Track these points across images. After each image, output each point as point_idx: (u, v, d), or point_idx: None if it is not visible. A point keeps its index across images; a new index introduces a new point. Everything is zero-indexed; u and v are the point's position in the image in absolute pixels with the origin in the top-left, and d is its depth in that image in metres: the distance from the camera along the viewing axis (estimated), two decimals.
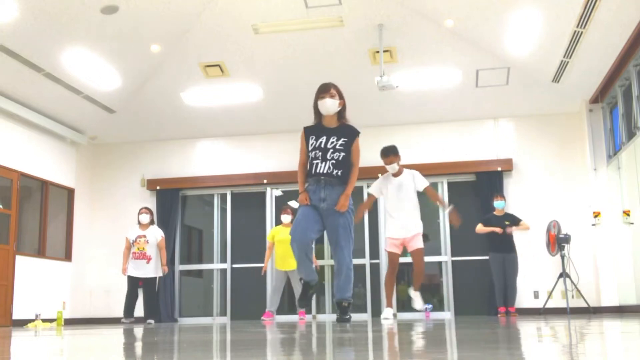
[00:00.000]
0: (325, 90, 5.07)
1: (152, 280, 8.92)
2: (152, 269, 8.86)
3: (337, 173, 4.98)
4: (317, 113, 5.12)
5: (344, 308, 5.27)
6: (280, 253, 8.84)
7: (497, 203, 9.09)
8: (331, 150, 4.97)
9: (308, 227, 5.02)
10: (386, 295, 7.21)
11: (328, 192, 4.98)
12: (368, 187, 10.63)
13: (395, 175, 7.13)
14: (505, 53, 9.07)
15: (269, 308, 8.90)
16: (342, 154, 5.00)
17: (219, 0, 8.43)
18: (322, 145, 5.00)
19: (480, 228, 9.02)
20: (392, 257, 7.06)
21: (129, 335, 4.30)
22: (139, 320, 9.11)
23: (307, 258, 5.12)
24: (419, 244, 6.94)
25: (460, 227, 9.59)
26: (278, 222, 10.44)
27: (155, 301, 9.10)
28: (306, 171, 5.14)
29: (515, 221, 8.99)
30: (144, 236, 8.91)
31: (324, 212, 5.03)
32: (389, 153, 7.13)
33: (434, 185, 9.49)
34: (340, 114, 5.13)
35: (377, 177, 10.51)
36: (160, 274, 9.05)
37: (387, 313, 7.00)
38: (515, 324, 4.86)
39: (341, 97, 5.11)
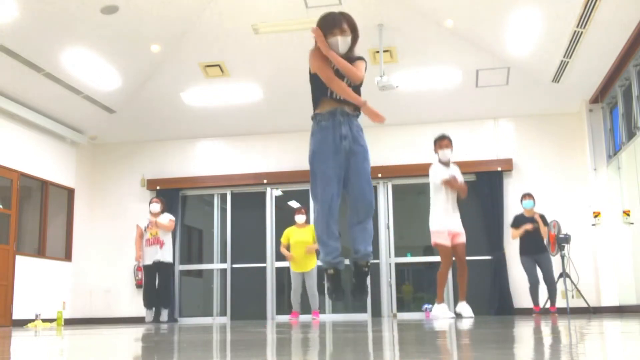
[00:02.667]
0: (335, 24, 4.21)
1: (167, 266, 8.93)
2: (167, 254, 8.97)
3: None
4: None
5: (363, 273, 4.24)
6: (296, 255, 8.93)
7: (526, 203, 8.83)
8: (345, 79, 4.25)
9: (334, 192, 4.07)
10: (439, 291, 7.27)
11: (348, 128, 4.16)
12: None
13: (447, 165, 7.22)
14: (505, 53, 9.07)
15: (295, 309, 9.03)
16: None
17: (219, 0, 8.43)
18: (338, 72, 4.22)
19: (514, 233, 8.81)
20: (446, 251, 7.09)
21: (129, 336, 4.29)
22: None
23: (333, 232, 4.13)
24: (463, 237, 7.13)
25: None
26: (279, 221, 10.46)
27: (169, 290, 9.10)
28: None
29: (544, 221, 8.76)
30: (155, 222, 9.06)
31: (344, 155, 4.11)
32: (445, 137, 7.24)
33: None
34: (350, 49, 4.31)
35: (377, 177, 10.57)
36: (171, 259, 9.09)
37: (444, 308, 7.21)
38: (555, 323, 4.86)
39: (353, 30, 4.25)
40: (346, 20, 4.24)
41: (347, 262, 4.30)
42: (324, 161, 4.10)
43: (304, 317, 9.29)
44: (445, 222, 7.08)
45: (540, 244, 8.73)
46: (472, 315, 7.27)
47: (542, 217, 8.77)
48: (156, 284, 8.97)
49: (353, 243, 4.19)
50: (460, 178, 7.24)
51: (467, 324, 5.07)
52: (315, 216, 4.21)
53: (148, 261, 8.92)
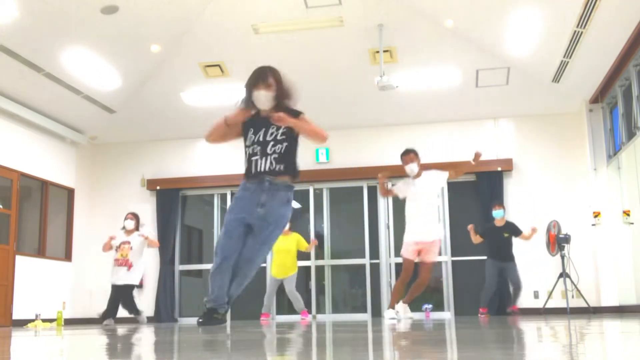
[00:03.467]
0: (261, 78, 4.31)
1: (128, 288, 8.57)
2: (130, 276, 8.53)
3: (279, 168, 4.23)
4: (251, 101, 4.36)
5: (212, 312, 4.47)
6: (278, 262, 8.98)
7: (496, 212, 8.93)
8: (272, 143, 4.24)
9: (232, 247, 4.31)
10: (391, 299, 7.18)
11: (269, 197, 4.25)
12: (368, 187, 10.68)
13: (416, 177, 7.00)
14: (505, 53, 9.07)
15: (265, 310, 9.10)
16: (285, 144, 4.23)
17: (219, 0, 8.43)
18: (261, 139, 4.28)
19: (474, 238, 8.90)
20: (407, 264, 6.97)
21: (129, 336, 4.30)
22: (131, 320, 9.07)
23: (225, 277, 4.42)
24: (433, 256, 6.93)
25: (460, 228, 9.52)
26: None
27: (131, 301, 8.76)
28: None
29: (515, 232, 8.89)
30: (128, 242, 8.60)
31: (256, 219, 4.25)
32: (409, 152, 7.04)
33: None
34: (279, 104, 4.30)
35: (376, 178, 10.56)
36: (137, 282, 8.68)
37: (391, 313, 6.99)
38: (516, 323, 4.86)
39: (279, 85, 4.30)
40: (272, 74, 4.33)
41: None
42: (234, 218, 4.33)
43: (295, 317, 9.34)
44: (412, 235, 6.98)
45: (507, 254, 8.87)
46: (411, 316, 7.17)
47: (513, 227, 8.86)
48: (119, 303, 8.69)
49: (229, 289, 4.46)
50: (440, 177, 7.04)
51: (465, 323, 5.07)
52: (214, 261, 4.46)
53: (116, 281, 8.52)
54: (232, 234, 4.29)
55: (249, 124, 4.39)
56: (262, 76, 4.32)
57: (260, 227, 4.26)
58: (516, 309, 8.92)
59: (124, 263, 8.50)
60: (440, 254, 7.26)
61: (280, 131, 4.24)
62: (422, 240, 6.89)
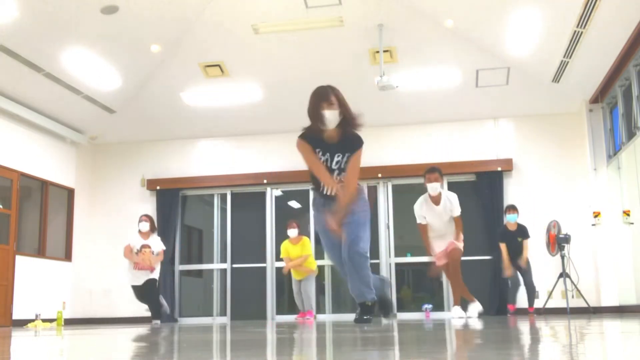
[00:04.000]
0: (325, 97, 4.34)
1: (152, 280, 8.74)
2: (156, 273, 8.64)
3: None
4: (318, 119, 4.37)
5: (366, 307, 4.55)
6: (292, 269, 9.15)
7: (510, 216, 8.82)
8: (337, 172, 4.47)
9: (338, 253, 4.61)
10: (463, 294, 7.44)
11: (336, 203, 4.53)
12: (368, 187, 10.66)
13: (435, 201, 7.11)
14: (505, 53, 9.07)
15: (303, 310, 9.14)
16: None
17: (219, 0, 8.44)
18: (328, 165, 4.44)
19: (504, 251, 8.81)
20: (443, 267, 7.38)
21: (129, 336, 4.30)
22: (144, 320, 9.05)
23: (353, 274, 4.52)
24: (457, 245, 7.18)
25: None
26: (279, 222, 10.47)
27: (157, 301, 8.88)
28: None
29: (524, 235, 8.80)
30: (149, 246, 8.57)
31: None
32: (435, 170, 7.11)
33: None
34: (343, 122, 4.44)
35: (377, 177, 10.57)
36: (157, 277, 8.80)
37: (473, 309, 7.32)
38: (533, 323, 4.86)
39: (341, 104, 4.40)
40: (334, 93, 4.39)
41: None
42: (325, 238, 4.63)
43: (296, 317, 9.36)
44: (435, 248, 7.28)
45: (521, 254, 8.78)
46: (463, 315, 7.32)
47: (524, 231, 8.79)
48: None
49: (350, 289, 4.63)
50: (453, 209, 7.12)
51: (465, 324, 5.07)
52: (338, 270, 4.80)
53: (137, 282, 8.54)
54: (333, 249, 4.63)
55: (315, 144, 4.46)
56: (325, 95, 4.37)
57: (346, 222, 4.50)
58: (532, 310, 8.81)
59: (146, 267, 8.48)
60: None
61: (345, 159, 4.49)
62: (444, 248, 7.25)
